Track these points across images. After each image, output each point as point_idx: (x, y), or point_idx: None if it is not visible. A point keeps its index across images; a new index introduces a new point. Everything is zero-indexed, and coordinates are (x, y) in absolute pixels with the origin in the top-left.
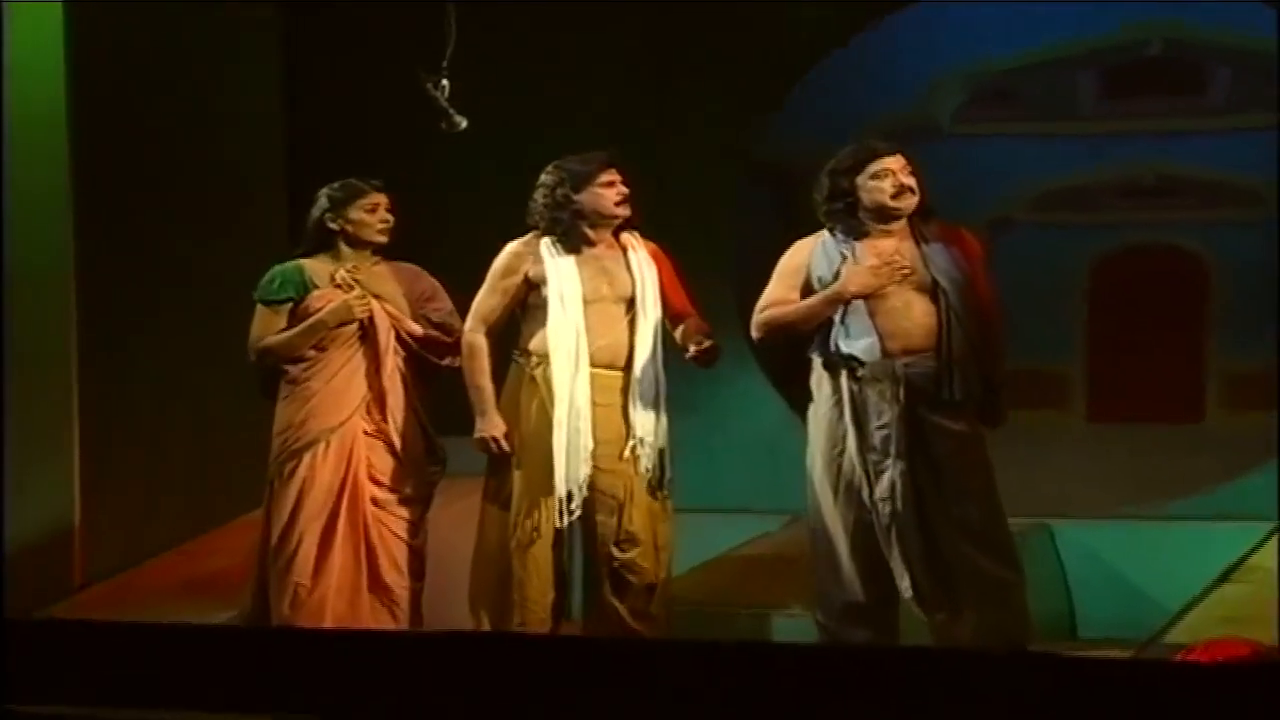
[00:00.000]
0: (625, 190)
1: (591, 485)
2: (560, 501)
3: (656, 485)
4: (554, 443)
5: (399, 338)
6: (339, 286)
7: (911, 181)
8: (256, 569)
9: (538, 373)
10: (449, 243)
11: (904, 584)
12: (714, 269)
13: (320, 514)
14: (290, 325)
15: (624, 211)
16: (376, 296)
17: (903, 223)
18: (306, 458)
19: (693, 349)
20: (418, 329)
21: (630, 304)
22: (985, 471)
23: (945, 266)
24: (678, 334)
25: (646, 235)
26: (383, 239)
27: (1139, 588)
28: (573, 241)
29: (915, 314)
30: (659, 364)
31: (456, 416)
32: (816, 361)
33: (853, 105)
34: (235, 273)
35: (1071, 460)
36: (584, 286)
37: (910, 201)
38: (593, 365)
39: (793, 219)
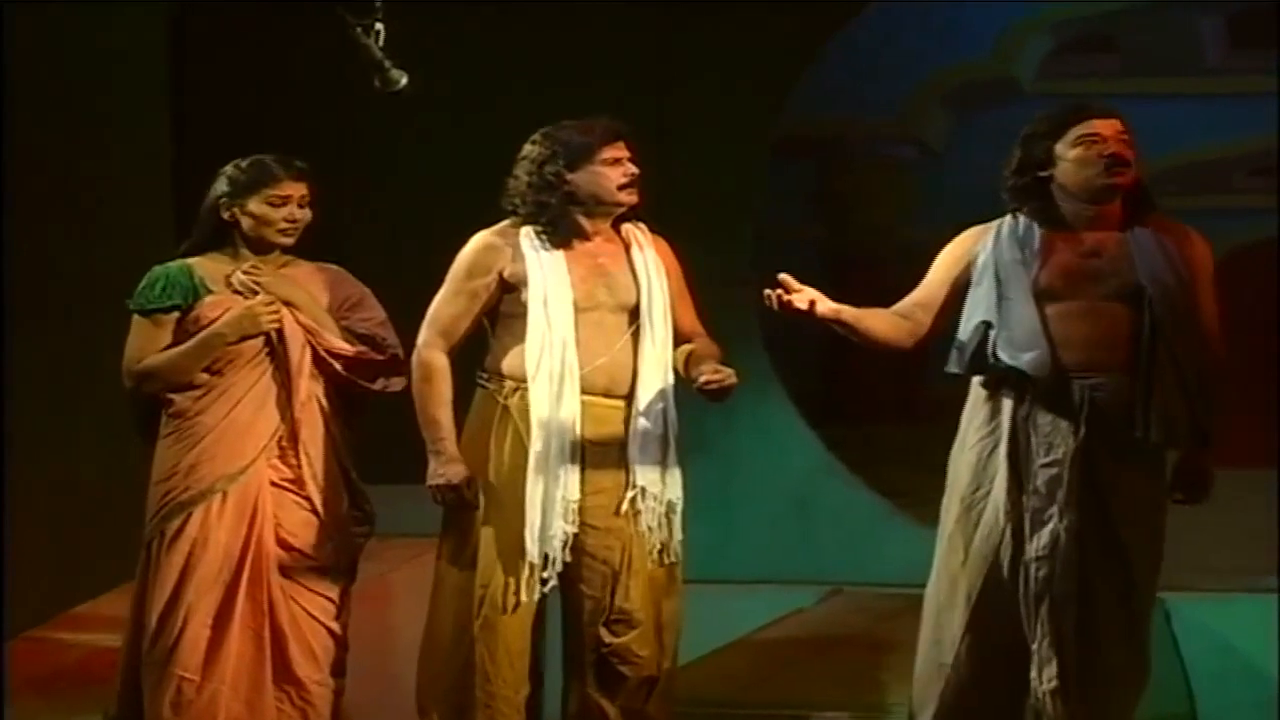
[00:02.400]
0: (634, 170)
1: (578, 548)
2: (532, 567)
3: (664, 549)
4: (528, 490)
5: (316, 357)
6: (238, 292)
7: (1129, 154)
8: (125, 658)
9: (513, 401)
10: (381, 248)
11: (1048, 673)
12: (726, 270)
13: (213, 587)
14: (177, 341)
15: (629, 198)
16: (286, 304)
17: (1112, 208)
18: (196, 514)
19: (702, 378)
20: (341, 345)
21: (633, 315)
22: (1159, 542)
23: (1158, 269)
24: (679, 356)
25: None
26: (285, 241)
27: None
28: (562, 233)
29: (1108, 323)
30: (669, 393)
31: (390, 460)
32: (974, 380)
33: (903, 60)
34: (108, 279)
35: (1190, 516)
36: (575, 290)
37: (1124, 179)
38: (584, 391)
39: (829, 208)
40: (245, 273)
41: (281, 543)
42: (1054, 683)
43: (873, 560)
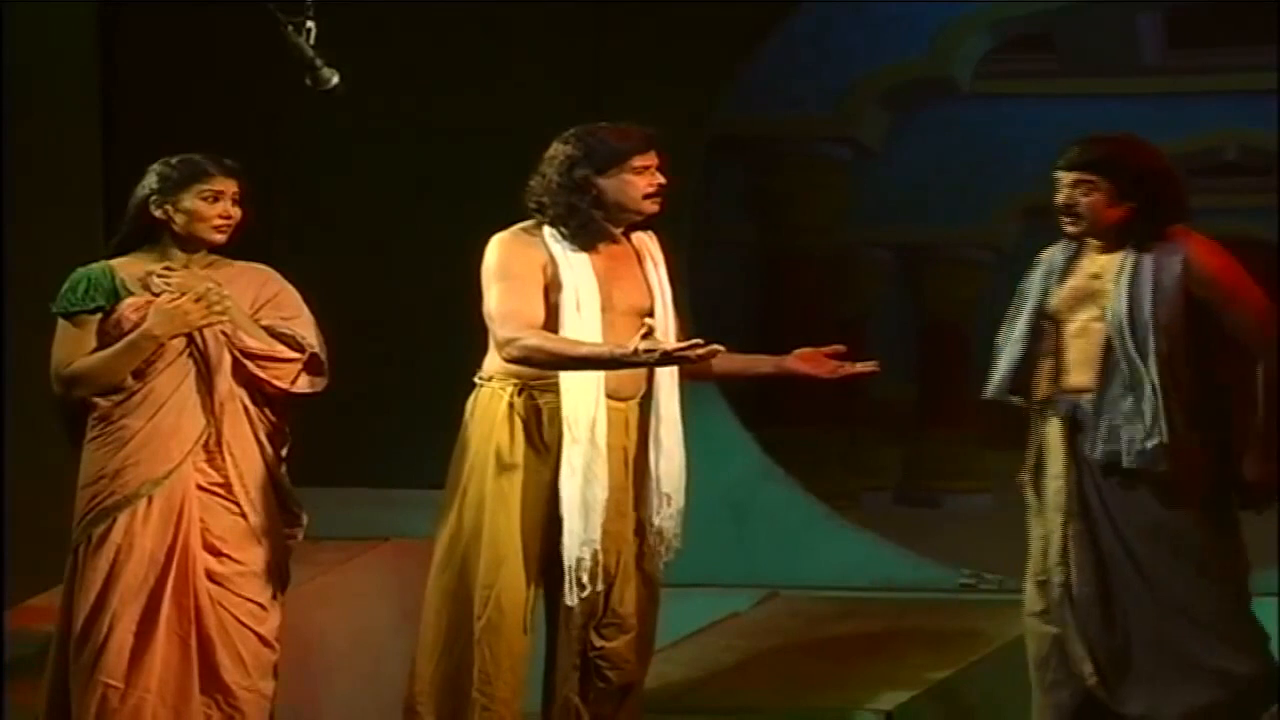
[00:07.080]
0: (660, 180)
1: None
2: (569, 571)
3: (664, 557)
4: (565, 495)
5: (235, 358)
6: (156, 294)
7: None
8: (52, 665)
9: (520, 400)
10: (312, 247)
11: (1086, 669)
12: None
13: (138, 593)
14: (98, 344)
15: (652, 207)
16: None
17: (1104, 233)
18: (122, 519)
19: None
20: (251, 344)
21: (642, 319)
22: (1190, 538)
23: (1135, 292)
24: None
25: None
26: (218, 238)
27: None
28: (589, 235)
29: (1091, 343)
30: (678, 400)
31: (321, 461)
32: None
33: (839, 59)
34: (37, 280)
35: None
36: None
37: (1076, 229)
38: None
39: (764, 207)
40: (159, 274)
41: (209, 547)
42: (1094, 678)
43: (809, 564)
